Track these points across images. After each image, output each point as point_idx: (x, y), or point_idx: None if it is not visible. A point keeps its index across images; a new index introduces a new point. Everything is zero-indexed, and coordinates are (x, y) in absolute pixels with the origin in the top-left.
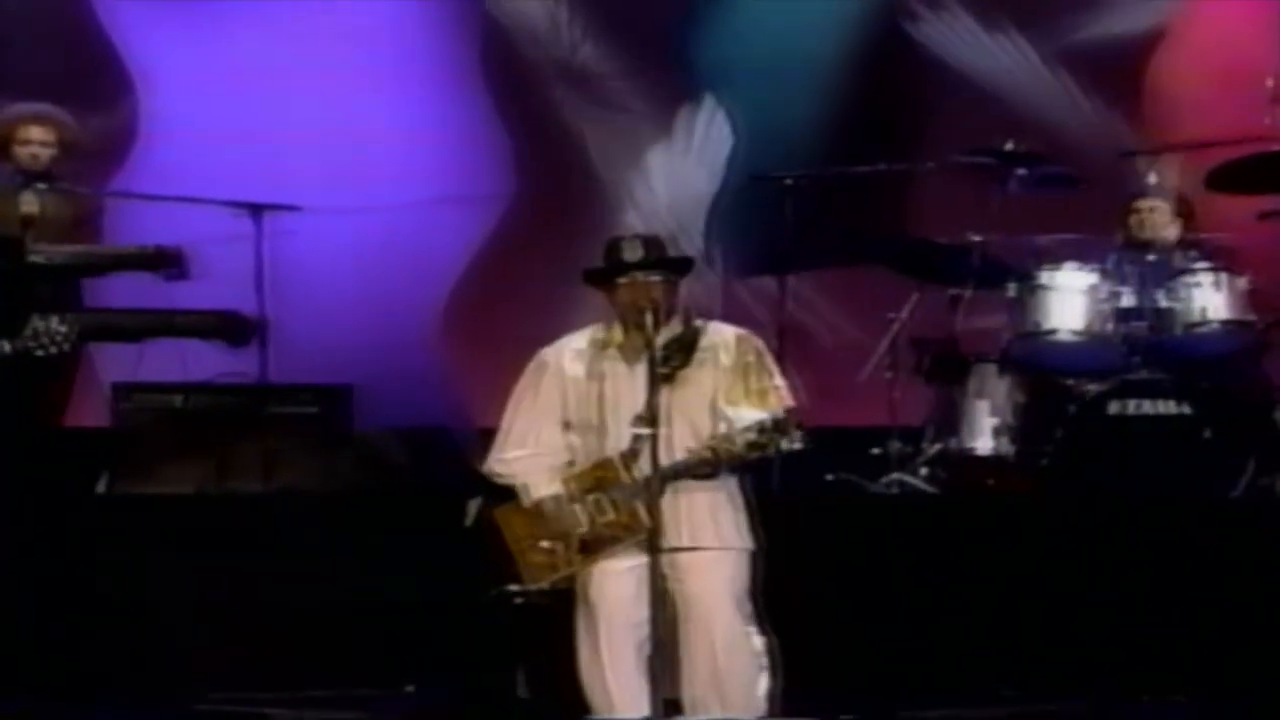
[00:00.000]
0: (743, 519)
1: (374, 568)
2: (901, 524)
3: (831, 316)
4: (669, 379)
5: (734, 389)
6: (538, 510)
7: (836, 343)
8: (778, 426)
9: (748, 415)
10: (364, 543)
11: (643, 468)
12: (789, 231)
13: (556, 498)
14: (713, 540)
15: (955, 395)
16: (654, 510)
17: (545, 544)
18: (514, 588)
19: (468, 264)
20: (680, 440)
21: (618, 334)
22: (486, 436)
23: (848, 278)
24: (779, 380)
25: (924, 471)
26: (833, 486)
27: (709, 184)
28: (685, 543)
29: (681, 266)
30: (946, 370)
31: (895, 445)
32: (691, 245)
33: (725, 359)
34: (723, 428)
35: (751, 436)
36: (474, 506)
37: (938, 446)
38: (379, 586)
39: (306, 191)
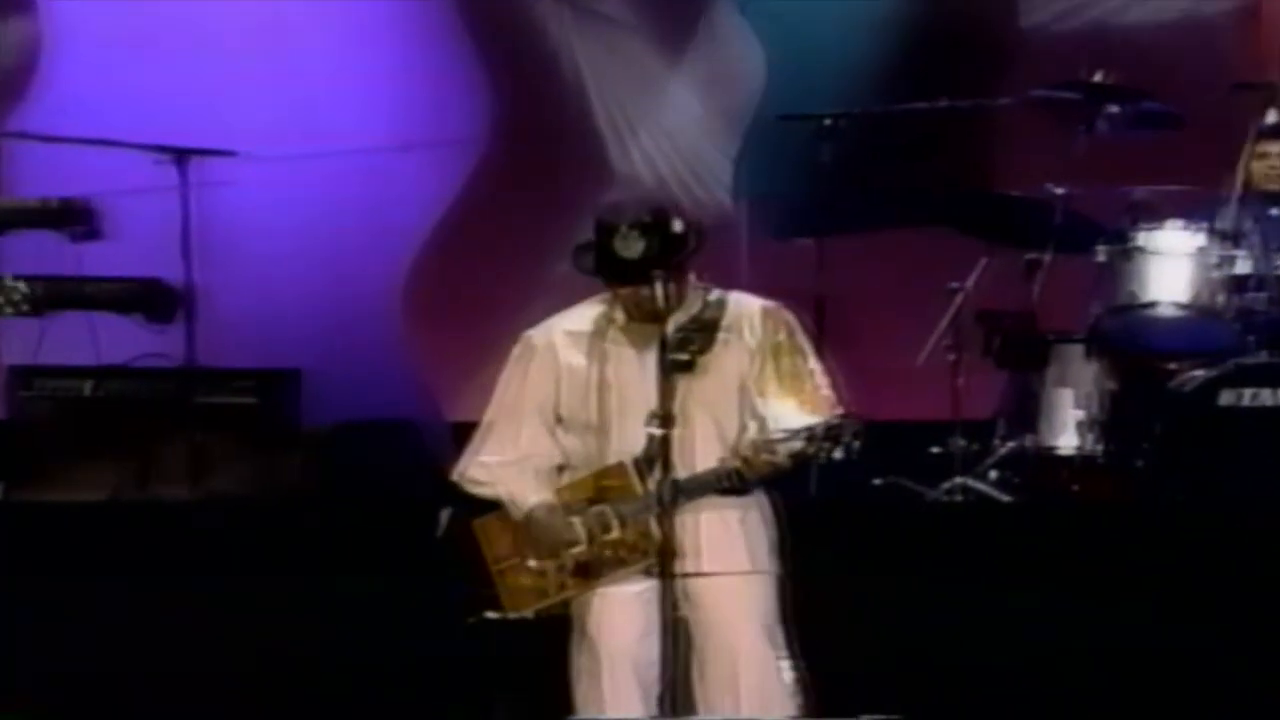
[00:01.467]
0: (774, 538)
1: (324, 588)
2: (966, 537)
3: (881, 286)
4: (687, 367)
5: (764, 375)
6: (525, 524)
7: (887, 319)
8: (829, 434)
9: (790, 417)
10: (312, 559)
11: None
12: (830, 182)
13: (549, 507)
14: (740, 563)
15: (1032, 383)
16: (668, 527)
17: (533, 564)
18: (492, 615)
19: (436, 222)
20: (703, 442)
21: (621, 312)
22: (460, 432)
23: (901, 239)
24: (814, 364)
25: (994, 475)
26: (883, 493)
27: (732, 122)
28: (705, 566)
29: (690, 249)
30: (1021, 352)
31: (959, 443)
32: (710, 197)
33: (750, 337)
34: (753, 428)
35: (796, 447)
36: (446, 516)
37: (1011, 445)
38: (329, 611)
39: (241, 134)
